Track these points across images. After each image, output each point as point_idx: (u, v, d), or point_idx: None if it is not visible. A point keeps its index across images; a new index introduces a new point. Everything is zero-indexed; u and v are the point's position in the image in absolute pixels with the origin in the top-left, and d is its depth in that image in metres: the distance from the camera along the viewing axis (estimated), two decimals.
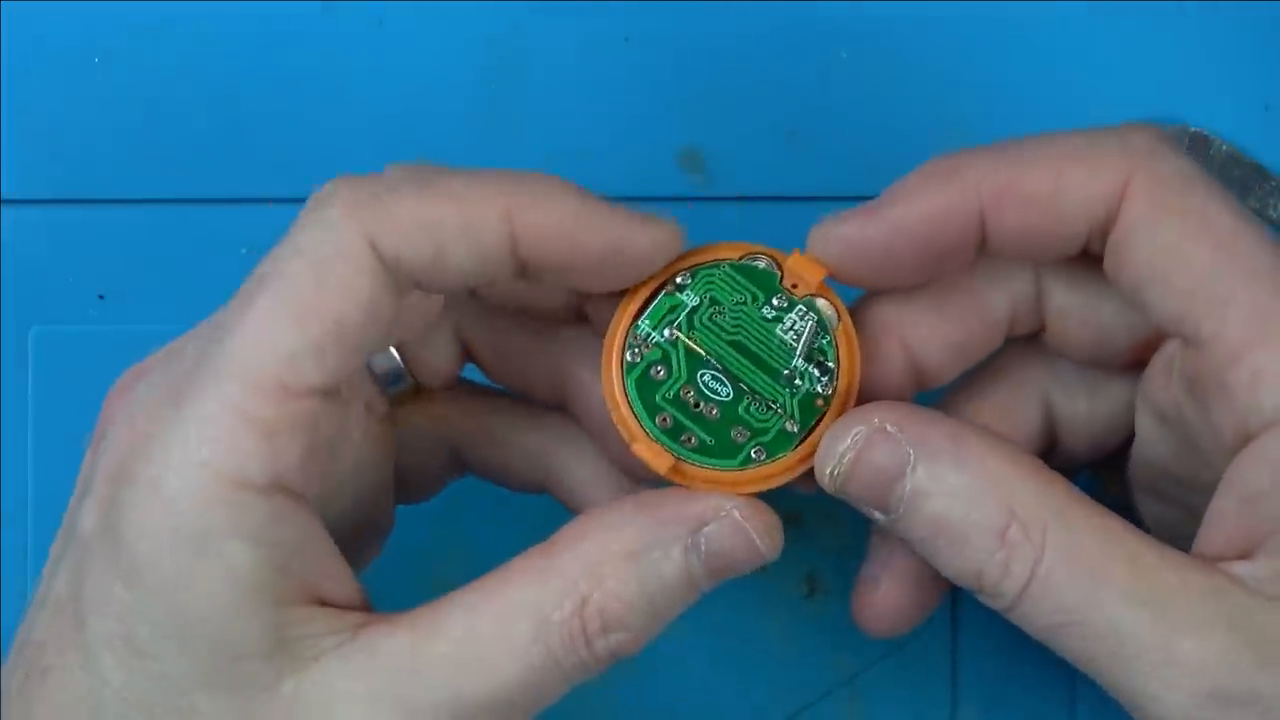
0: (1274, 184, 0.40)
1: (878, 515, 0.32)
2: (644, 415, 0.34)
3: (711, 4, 0.40)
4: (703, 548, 0.32)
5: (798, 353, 0.34)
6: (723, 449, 0.34)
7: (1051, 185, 0.31)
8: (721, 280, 0.34)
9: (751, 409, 0.34)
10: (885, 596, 0.35)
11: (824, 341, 0.34)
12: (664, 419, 0.34)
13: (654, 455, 0.33)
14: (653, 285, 0.34)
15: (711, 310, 0.34)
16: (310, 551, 0.31)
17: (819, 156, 0.40)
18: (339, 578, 0.31)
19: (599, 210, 0.32)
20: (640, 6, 0.40)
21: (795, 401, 0.34)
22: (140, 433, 0.30)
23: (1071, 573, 0.30)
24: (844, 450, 0.31)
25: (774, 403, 0.34)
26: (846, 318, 0.34)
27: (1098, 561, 0.30)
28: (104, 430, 0.32)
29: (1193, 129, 0.40)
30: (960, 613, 0.40)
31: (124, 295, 0.40)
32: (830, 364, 0.34)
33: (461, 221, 0.31)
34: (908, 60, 0.40)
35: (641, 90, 0.40)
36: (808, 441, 0.34)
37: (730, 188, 0.40)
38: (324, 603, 0.31)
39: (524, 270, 0.32)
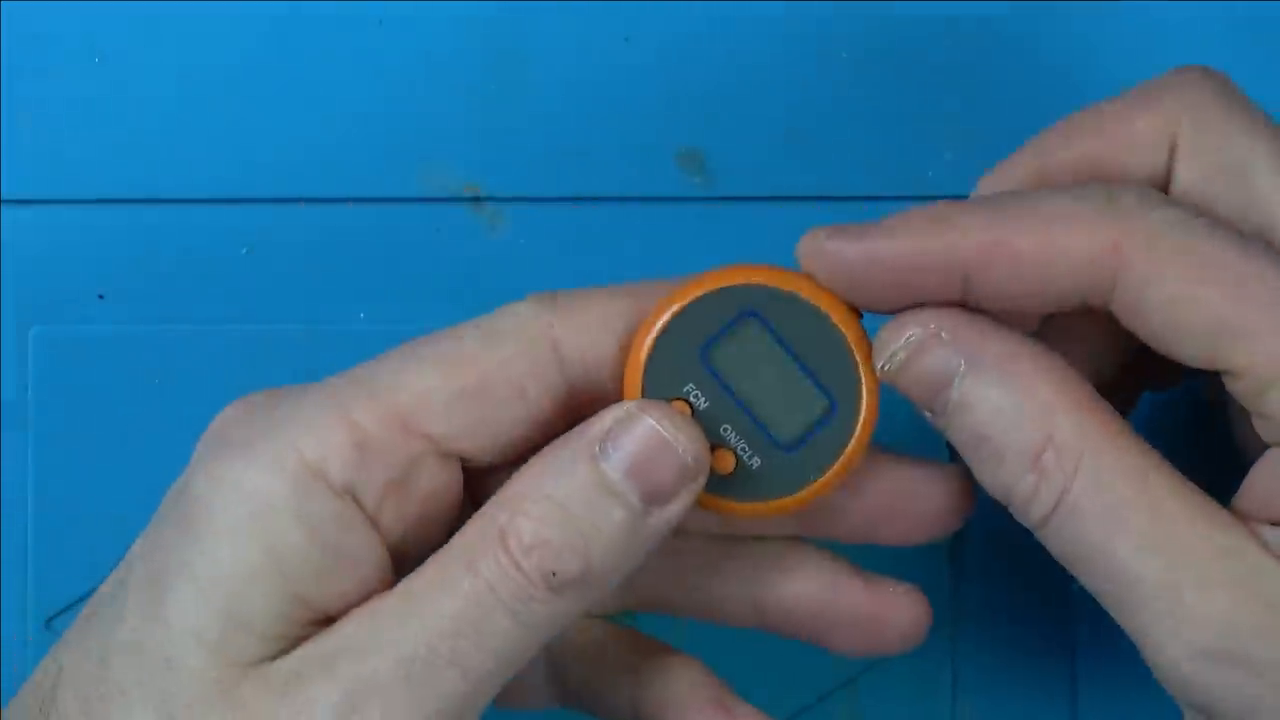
0: None
1: (925, 413, 0.32)
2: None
3: (712, 4, 0.40)
4: (613, 454, 0.31)
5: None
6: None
7: (1039, 251, 0.31)
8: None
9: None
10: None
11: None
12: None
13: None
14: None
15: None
16: (359, 568, 0.31)
17: (819, 156, 0.40)
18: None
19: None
20: (640, 6, 0.40)
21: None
22: (250, 409, 0.32)
23: (1095, 509, 0.30)
24: (896, 350, 0.32)
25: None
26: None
27: (1122, 502, 0.30)
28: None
29: None
30: (960, 613, 0.40)
31: (124, 295, 0.40)
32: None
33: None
34: (908, 60, 0.40)
35: (641, 90, 0.40)
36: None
37: (730, 188, 0.40)
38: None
39: None
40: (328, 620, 0.31)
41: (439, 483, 0.32)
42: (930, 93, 0.40)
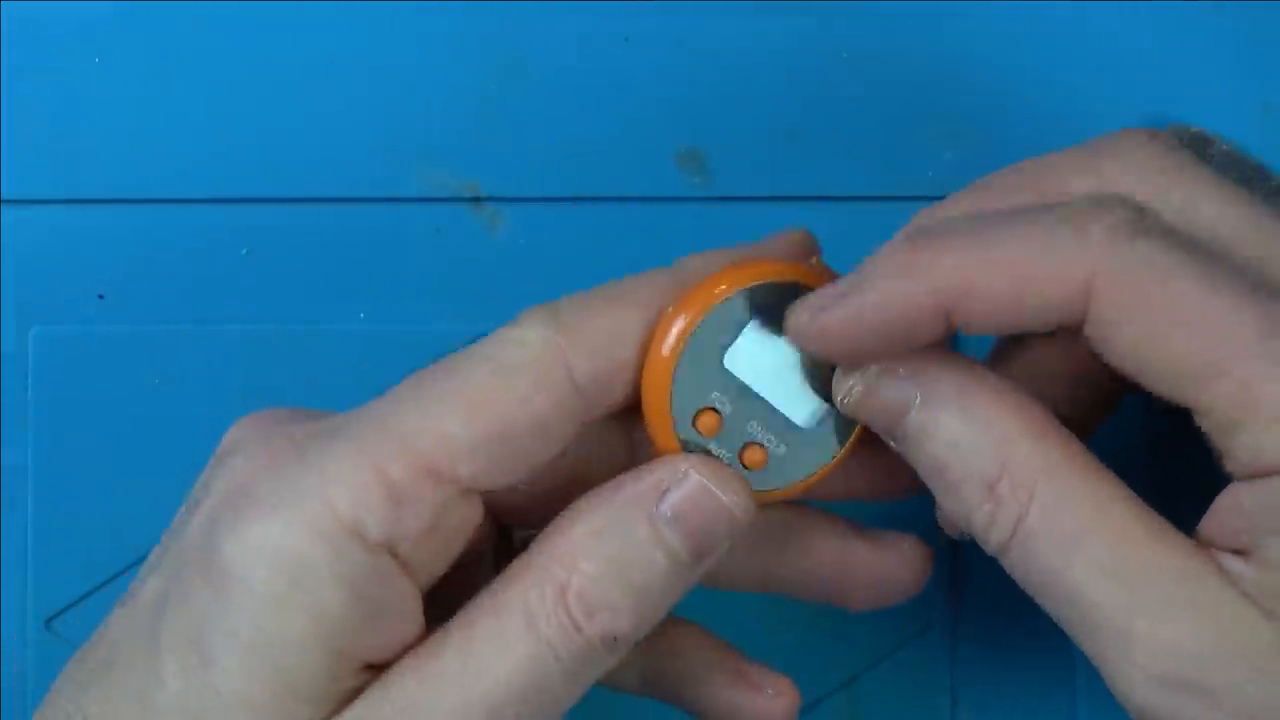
0: (1274, 184, 0.40)
1: (889, 440, 0.32)
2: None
3: (711, 4, 0.40)
4: (669, 514, 0.32)
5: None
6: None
7: (1010, 288, 0.30)
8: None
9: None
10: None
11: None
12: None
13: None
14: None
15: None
16: (400, 620, 0.31)
17: (819, 156, 0.40)
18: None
19: None
20: (640, 6, 0.40)
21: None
22: (274, 457, 0.31)
23: (1051, 535, 0.30)
24: (854, 384, 0.32)
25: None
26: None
27: (1080, 528, 0.30)
28: (231, 448, 0.32)
29: (1193, 129, 0.40)
30: (960, 613, 0.40)
31: (124, 295, 0.40)
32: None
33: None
34: (908, 60, 0.40)
35: (641, 90, 0.40)
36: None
37: (730, 188, 0.40)
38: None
39: None
40: (369, 668, 0.31)
41: (465, 519, 0.32)
42: (930, 93, 0.40)
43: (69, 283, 0.40)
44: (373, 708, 0.31)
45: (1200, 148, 0.40)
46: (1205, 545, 0.30)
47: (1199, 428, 0.30)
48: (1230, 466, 0.30)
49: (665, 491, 0.32)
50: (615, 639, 0.31)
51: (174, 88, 0.40)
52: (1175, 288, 0.30)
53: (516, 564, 0.32)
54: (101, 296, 0.40)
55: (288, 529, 0.30)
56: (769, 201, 0.40)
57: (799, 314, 0.32)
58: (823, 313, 0.31)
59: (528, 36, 0.40)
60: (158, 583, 0.31)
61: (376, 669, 0.31)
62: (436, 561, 0.32)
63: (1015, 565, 0.31)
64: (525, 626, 0.31)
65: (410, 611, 0.31)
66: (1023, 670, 0.40)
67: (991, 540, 0.31)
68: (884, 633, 0.40)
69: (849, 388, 0.32)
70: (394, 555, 0.30)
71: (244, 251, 0.40)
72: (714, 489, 0.32)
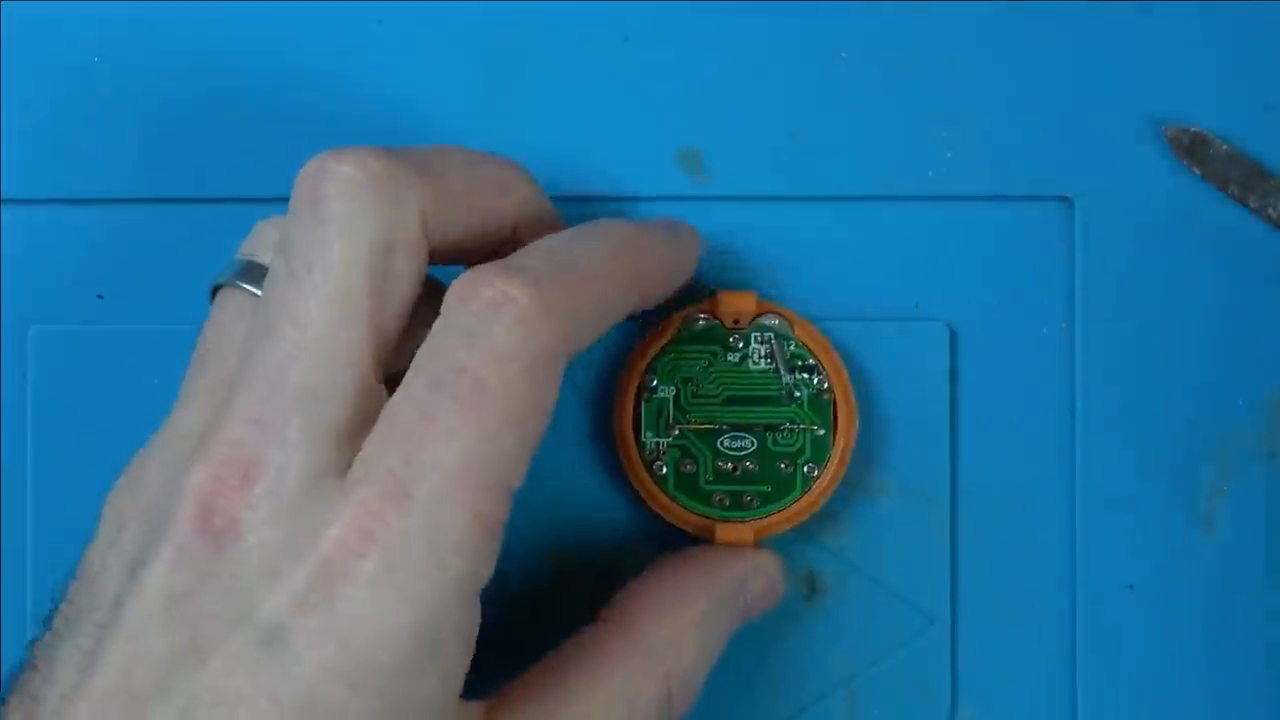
0: (1274, 184, 0.40)
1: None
2: (704, 507, 0.35)
3: (711, 3, 0.40)
4: (746, 605, 0.36)
5: (780, 370, 0.36)
6: (781, 487, 0.36)
7: None
8: (676, 360, 0.36)
9: (778, 440, 0.36)
10: None
11: (792, 346, 0.35)
12: (721, 499, 0.35)
13: (737, 536, 0.36)
14: (630, 399, 0.36)
15: (689, 388, 0.36)
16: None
17: (819, 156, 0.40)
18: None
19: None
20: (639, 5, 0.40)
21: (807, 408, 0.35)
22: (357, 532, 0.29)
23: None
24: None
25: (792, 422, 0.35)
26: (794, 315, 0.37)
27: None
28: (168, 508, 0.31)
29: (1193, 129, 0.40)
30: (960, 613, 0.40)
31: (123, 295, 0.40)
32: (810, 360, 0.35)
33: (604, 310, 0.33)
34: (908, 60, 0.40)
35: (640, 89, 0.40)
36: (839, 430, 0.36)
37: (729, 187, 0.40)
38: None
39: None
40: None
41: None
42: (930, 93, 0.40)
43: (68, 282, 0.40)
44: None
45: (1200, 148, 0.40)
46: None
47: None
48: None
49: (746, 583, 0.36)
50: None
51: (173, 88, 0.40)
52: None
53: (618, 634, 0.34)
54: (101, 296, 0.40)
55: (418, 603, 0.29)
56: (768, 201, 0.40)
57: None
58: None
59: (525, 35, 0.40)
60: (212, 678, 0.29)
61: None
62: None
63: None
64: (628, 714, 0.33)
65: None
66: (1022, 669, 0.40)
67: None
68: (884, 630, 0.40)
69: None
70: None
71: None
72: (780, 583, 0.37)
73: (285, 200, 0.40)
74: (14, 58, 0.40)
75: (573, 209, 0.40)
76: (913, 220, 0.40)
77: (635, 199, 0.40)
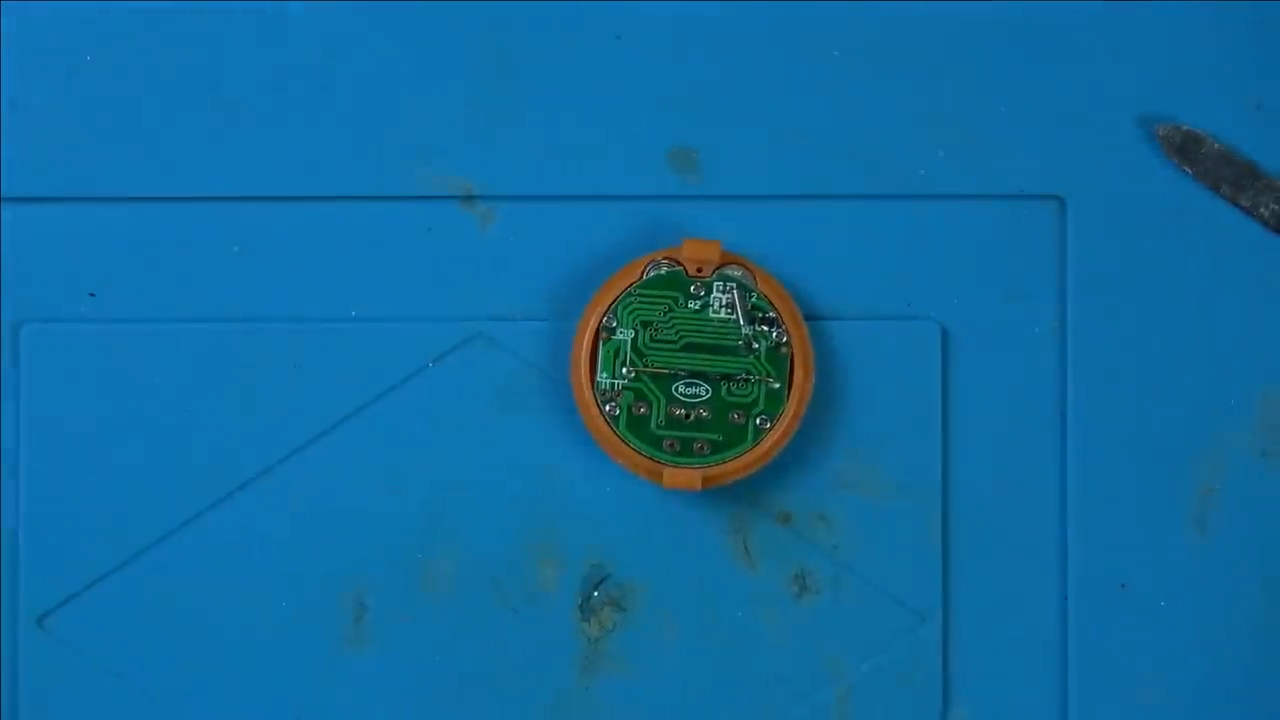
0: (1266, 183, 0.40)
1: None
2: (654, 451, 0.35)
3: (704, 2, 0.40)
4: None
5: (740, 320, 0.36)
6: (732, 437, 0.36)
7: None
8: (638, 304, 0.36)
9: (733, 390, 0.36)
10: None
11: (754, 298, 0.36)
12: (671, 444, 0.36)
13: (686, 480, 0.36)
14: (590, 339, 0.36)
15: (648, 332, 0.36)
16: None
17: (813, 156, 0.40)
18: None
19: None
20: (631, 4, 0.40)
21: (764, 360, 0.36)
22: None
23: None
24: None
25: (748, 374, 0.36)
26: (756, 267, 0.37)
27: None
28: None
29: (1186, 128, 0.40)
30: (952, 612, 0.40)
31: (115, 292, 0.40)
32: (771, 313, 0.35)
33: None
34: (902, 59, 0.40)
35: (633, 88, 0.40)
36: (795, 385, 0.36)
37: (723, 187, 0.40)
38: None
39: None
40: None
41: None
42: (925, 92, 0.40)
43: (60, 280, 0.40)
44: None
45: (1193, 147, 0.40)
46: None
47: None
48: None
49: None
50: None
51: (165, 86, 0.40)
52: None
53: None
54: (93, 294, 0.40)
55: None
56: (762, 200, 0.40)
57: None
58: None
59: (518, 34, 0.40)
60: None
61: None
62: None
63: None
64: None
65: None
66: (1014, 668, 0.40)
67: None
68: (875, 630, 0.40)
69: None
70: None
71: (235, 249, 0.40)
72: None
73: (276, 198, 0.41)
74: (12, 57, 0.40)
75: (565, 209, 0.40)
76: (904, 219, 0.40)
77: (627, 197, 0.40)
